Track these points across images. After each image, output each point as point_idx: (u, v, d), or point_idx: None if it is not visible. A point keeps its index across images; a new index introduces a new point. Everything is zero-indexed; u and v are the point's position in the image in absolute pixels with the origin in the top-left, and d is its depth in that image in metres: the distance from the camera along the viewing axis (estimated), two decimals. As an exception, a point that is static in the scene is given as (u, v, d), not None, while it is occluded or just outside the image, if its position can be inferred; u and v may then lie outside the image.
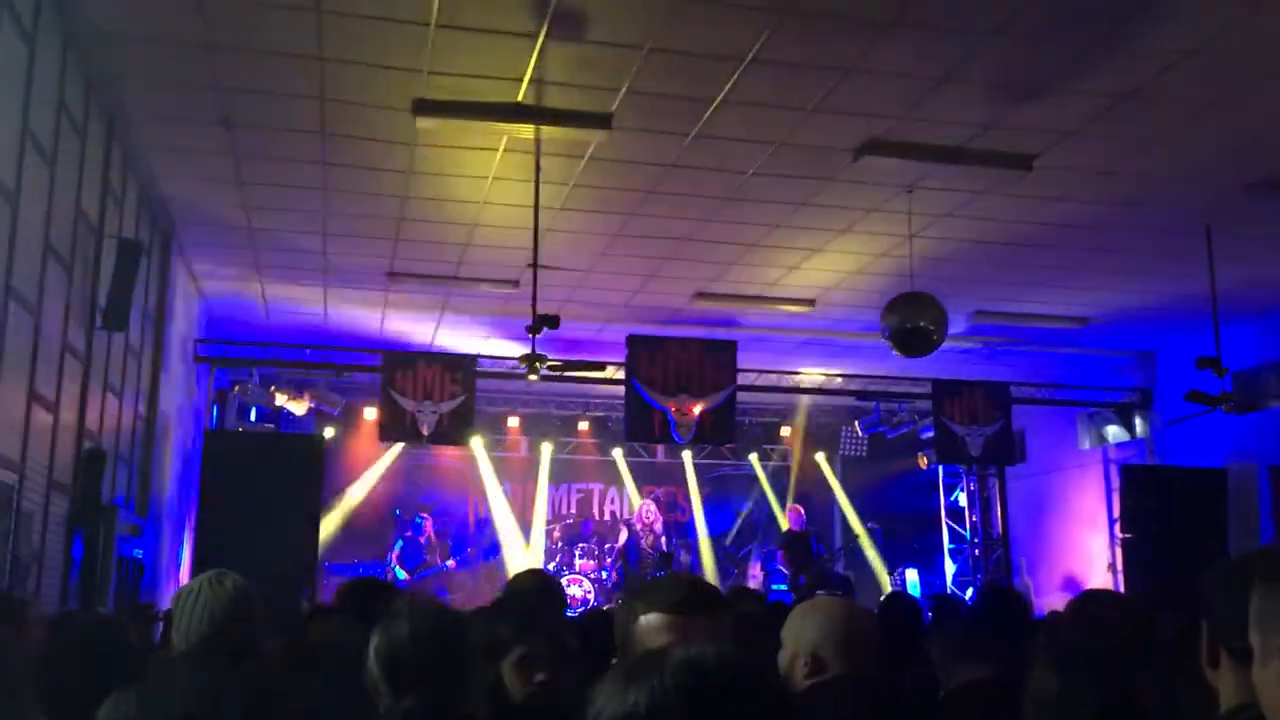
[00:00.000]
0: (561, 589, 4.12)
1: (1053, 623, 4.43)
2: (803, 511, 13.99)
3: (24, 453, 5.65)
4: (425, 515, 15.26)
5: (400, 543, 14.93)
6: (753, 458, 16.75)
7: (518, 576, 3.98)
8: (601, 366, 10.24)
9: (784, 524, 15.21)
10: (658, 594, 2.05)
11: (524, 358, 8.34)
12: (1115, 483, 13.10)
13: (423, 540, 14.98)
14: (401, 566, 14.52)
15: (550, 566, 15.36)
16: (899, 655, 3.77)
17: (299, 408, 12.88)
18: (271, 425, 13.68)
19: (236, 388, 12.69)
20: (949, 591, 14.79)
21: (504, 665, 2.57)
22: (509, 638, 2.58)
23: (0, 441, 5.24)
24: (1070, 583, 13.50)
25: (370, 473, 15.44)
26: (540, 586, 3.74)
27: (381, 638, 2.52)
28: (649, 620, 2.01)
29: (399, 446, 14.78)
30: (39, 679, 3.25)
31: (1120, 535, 12.49)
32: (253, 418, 13.56)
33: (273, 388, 12.52)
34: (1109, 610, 2.83)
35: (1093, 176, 7.81)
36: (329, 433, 13.99)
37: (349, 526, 15.13)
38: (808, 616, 2.70)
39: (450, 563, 15.12)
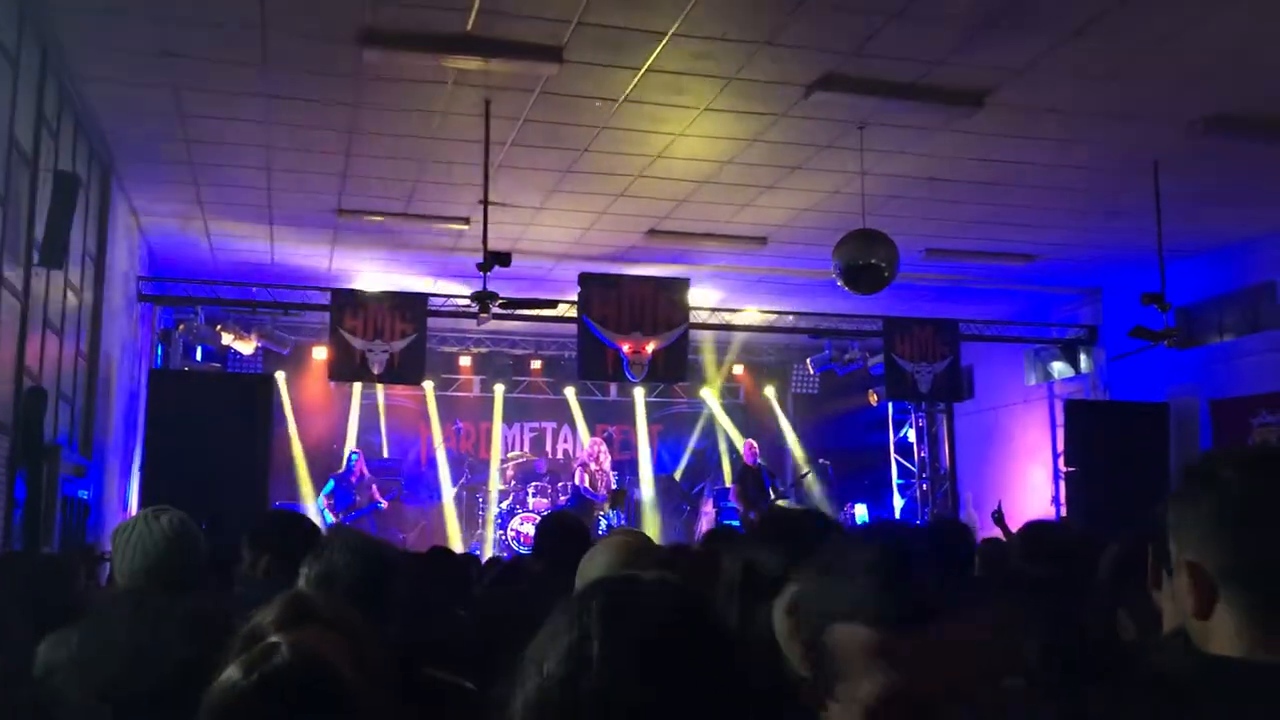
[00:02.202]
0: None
1: (989, 551, 4.51)
2: (757, 446, 14.10)
3: (-39, 392, 5.53)
4: (358, 452, 14.73)
5: (331, 483, 14.34)
6: (706, 394, 16.80)
7: (552, 521, 4.12)
8: (553, 304, 10.19)
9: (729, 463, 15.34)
10: (862, 595, 1.27)
11: (475, 295, 8.29)
12: (1060, 418, 13.33)
13: (353, 479, 14.38)
14: (331, 510, 13.94)
15: (504, 505, 15.40)
16: None
17: (246, 347, 12.71)
18: (218, 365, 13.51)
19: (181, 326, 12.49)
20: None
21: (775, 610, 1.83)
22: (779, 571, 1.83)
23: (-64, 380, 5.12)
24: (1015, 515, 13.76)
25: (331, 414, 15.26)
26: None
27: (313, 566, 2.59)
28: (853, 636, 1.27)
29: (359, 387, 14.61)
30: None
31: (1064, 469, 12.73)
32: (199, 357, 13.37)
33: (219, 327, 12.34)
34: (1054, 539, 2.88)
35: (1043, 113, 7.82)
36: (280, 375, 13.75)
37: (299, 467, 14.95)
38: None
39: (383, 502, 14.48)
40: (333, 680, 1.54)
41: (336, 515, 13.77)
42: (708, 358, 16.20)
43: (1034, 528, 3.08)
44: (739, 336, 15.07)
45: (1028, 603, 2.09)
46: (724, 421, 16.89)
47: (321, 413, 15.39)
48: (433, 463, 16.25)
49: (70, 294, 7.96)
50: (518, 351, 16.03)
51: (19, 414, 6.57)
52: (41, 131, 6.89)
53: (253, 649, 1.57)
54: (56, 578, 3.72)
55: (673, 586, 1.30)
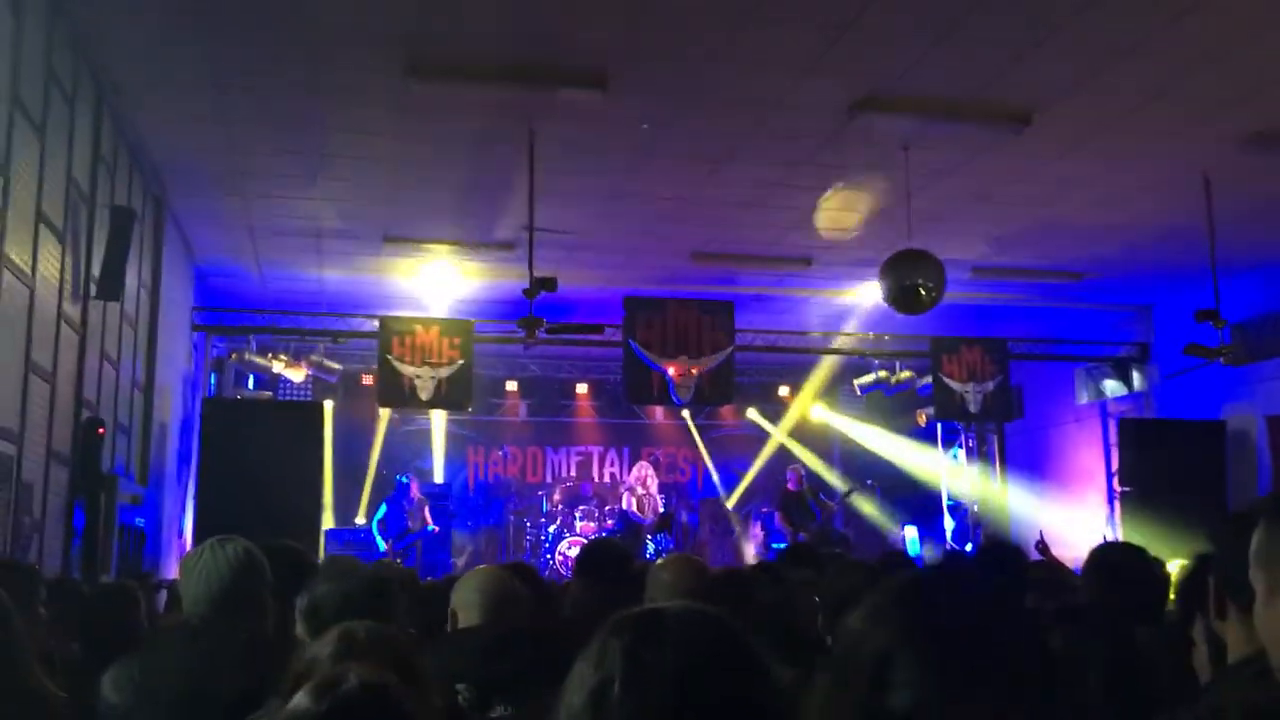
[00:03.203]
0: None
1: (1046, 578, 4.43)
2: (802, 472, 14.01)
3: (22, 423, 5.64)
4: (410, 476, 14.46)
5: (384, 508, 14.04)
6: (753, 414, 16.66)
7: (595, 543, 4.19)
8: (599, 329, 10.22)
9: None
10: None
11: (522, 321, 8.33)
12: (1113, 437, 13.13)
13: (406, 504, 14.02)
14: (383, 536, 13.63)
15: (551, 529, 15.41)
16: None
17: (297, 375, 12.85)
18: (269, 393, 13.66)
19: (234, 355, 12.65)
20: (949, 547, 14.82)
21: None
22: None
23: (-2, 412, 5.23)
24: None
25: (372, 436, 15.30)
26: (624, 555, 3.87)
27: (306, 596, 2.72)
28: None
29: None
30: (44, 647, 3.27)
31: (1119, 489, 12.53)
32: (250, 385, 13.54)
33: (270, 355, 12.48)
34: (1125, 563, 2.82)
35: (1091, 130, 7.75)
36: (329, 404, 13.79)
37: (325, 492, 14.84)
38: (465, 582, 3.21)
39: (434, 527, 14.08)
40: (397, 709, 1.60)
41: (388, 541, 13.69)
42: (755, 379, 15.91)
43: (1105, 550, 3.03)
44: (827, 361, 14.86)
45: (1086, 633, 2.05)
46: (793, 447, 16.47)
47: (369, 438, 15.49)
48: (480, 487, 16.31)
49: (126, 325, 8.11)
50: (563, 376, 16.07)
51: (77, 444, 6.69)
52: (98, 167, 7.04)
53: (320, 679, 1.62)
54: (119, 606, 3.78)
55: (701, 618, 1.27)
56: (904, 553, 12.19)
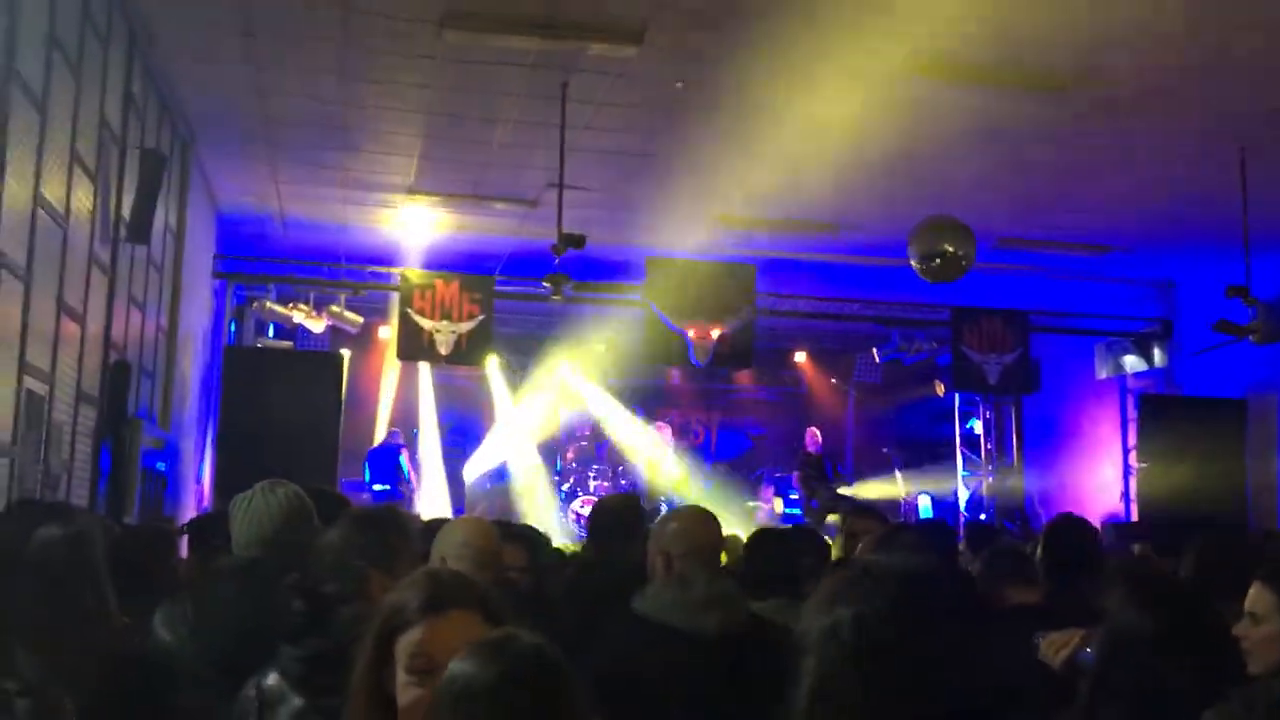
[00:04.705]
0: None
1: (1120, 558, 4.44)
2: (819, 434, 14.00)
3: (54, 363, 5.65)
4: (397, 430, 14.95)
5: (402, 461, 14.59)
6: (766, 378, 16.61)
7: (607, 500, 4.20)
8: (627, 289, 10.20)
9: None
10: None
11: (549, 277, 8.30)
12: (1131, 412, 13.10)
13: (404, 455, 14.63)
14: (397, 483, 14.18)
15: (565, 488, 15.46)
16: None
17: (316, 325, 12.81)
18: (289, 342, 13.67)
19: (254, 304, 12.65)
20: (980, 519, 14.77)
21: None
22: None
23: (32, 352, 5.23)
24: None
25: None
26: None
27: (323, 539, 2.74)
28: None
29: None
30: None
31: (1136, 465, 12.51)
32: (270, 334, 13.55)
33: (291, 305, 12.47)
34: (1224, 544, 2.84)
35: (1128, 98, 7.65)
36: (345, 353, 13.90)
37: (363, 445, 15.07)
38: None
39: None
40: (563, 670, 1.58)
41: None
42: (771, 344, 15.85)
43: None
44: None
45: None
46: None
47: (386, 391, 15.52)
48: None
49: (152, 270, 8.10)
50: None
51: (105, 386, 6.70)
52: (129, 110, 7.00)
53: (483, 641, 1.60)
54: (156, 549, 3.79)
55: (901, 568, 1.34)
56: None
